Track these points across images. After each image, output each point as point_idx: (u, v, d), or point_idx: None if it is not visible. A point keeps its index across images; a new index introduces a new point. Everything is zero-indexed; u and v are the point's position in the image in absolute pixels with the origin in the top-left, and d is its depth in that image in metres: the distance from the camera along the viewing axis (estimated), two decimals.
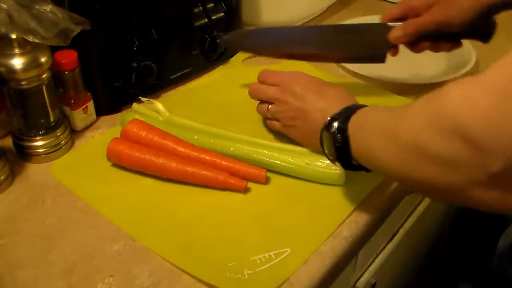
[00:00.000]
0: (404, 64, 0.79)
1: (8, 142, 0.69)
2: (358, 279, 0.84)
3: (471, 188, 0.38)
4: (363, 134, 0.51)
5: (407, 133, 0.41)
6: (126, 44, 0.72)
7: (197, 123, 0.70)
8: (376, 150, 0.47)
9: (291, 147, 0.65)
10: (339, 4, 1.08)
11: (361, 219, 0.60)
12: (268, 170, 0.64)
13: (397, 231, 0.91)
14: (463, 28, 0.66)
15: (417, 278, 1.26)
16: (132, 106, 0.73)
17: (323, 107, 0.60)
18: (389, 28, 0.68)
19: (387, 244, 0.89)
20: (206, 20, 0.81)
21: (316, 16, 1.04)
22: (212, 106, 0.78)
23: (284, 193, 0.62)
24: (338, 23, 0.64)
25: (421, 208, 0.98)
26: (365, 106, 0.56)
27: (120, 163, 0.64)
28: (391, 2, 1.11)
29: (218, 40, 0.80)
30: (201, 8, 0.81)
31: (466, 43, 0.69)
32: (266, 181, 0.63)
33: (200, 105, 0.78)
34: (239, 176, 0.62)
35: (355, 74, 0.86)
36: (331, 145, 0.55)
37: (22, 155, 0.67)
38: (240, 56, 0.90)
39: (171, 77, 0.81)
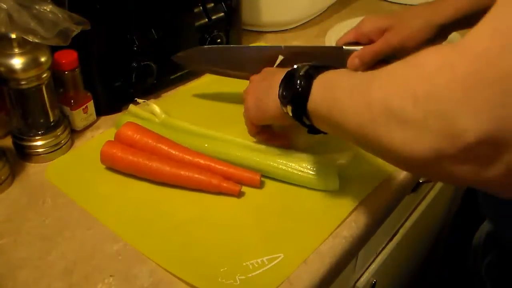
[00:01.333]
0: None
1: (8, 142, 0.69)
2: (358, 279, 0.84)
3: (439, 161, 0.35)
4: (331, 86, 0.49)
5: (380, 93, 0.40)
6: (126, 44, 0.72)
7: (192, 125, 0.70)
8: (342, 104, 0.46)
9: (286, 152, 0.64)
10: (339, 4, 1.08)
11: (361, 219, 0.60)
12: (263, 176, 0.63)
13: (397, 231, 0.91)
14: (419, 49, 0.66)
15: (417, 278, 1.26)
16: (129, 107, 0.73)
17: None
18: (345, 52, 0.68)
19: (387, 244, 0.89)
20: (206, 20, 0.81)
21: (316, 16, 1.04)
22: (212, 106, 0.78)
23: (279, 197, 0.62)
24: (293, 45, 0.64)
25: (421, 208, 0.98)
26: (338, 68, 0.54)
27: (114, 167, 0.64)
28: (391, 2, 1.11)
29: (172, 57, 0.76)
30: (201, 8, 0.81)
31: (455, 34, 0.70)
32: (260, 185, 0.63)
33: (200, 105, 0.78)
34: (233, 180, 0.62)
35: None
36: (290, 86, 0.53)
37: (22, 155, 0.67)
38: None
39: (171, 77, 0.81)
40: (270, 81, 0.60)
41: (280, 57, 0.75)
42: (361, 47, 0.69)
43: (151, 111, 0.72)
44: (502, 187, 0.36)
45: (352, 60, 0.68)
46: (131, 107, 0.73)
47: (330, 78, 0.51)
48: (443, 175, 0.37)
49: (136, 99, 0.73)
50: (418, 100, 0.36)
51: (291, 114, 0.54)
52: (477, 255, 0.75)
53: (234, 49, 0.76)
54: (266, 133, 0.66)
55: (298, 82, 0.52)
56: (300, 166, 0.62)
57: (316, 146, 0.65)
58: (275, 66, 0.72)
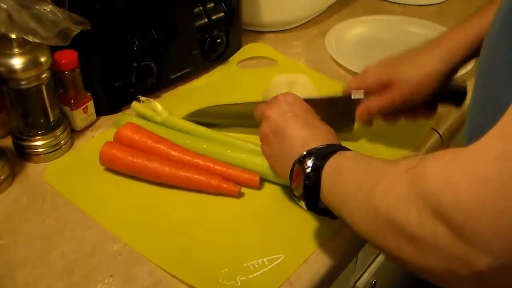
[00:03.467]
0: None
1: (8, 142, 0.69)
2: (358, 279, 0.84)
3: (451, 278, 0.34)
4: (338, 182, 0.47)
5: (383, 202, 0.38)
6: (126, 44, 0.72)
7: (193, 124, 0.70)
8: (349, 205, 0.44)
9: None
10: (339, 4, 1.08)
11: None
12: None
13: None
14: (429, 98, 0.64)
15: (417, 278, 1.26)
16: (132, 105, 0.73)
17: (304, 136, 0.55)
18: (353, 101, 0.67)
19: None
20: (206, 20, 0.81)
21: (316, 16, 1.04)
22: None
23: (279, 197, 0.62)
24: (303, 97, 0.63)
25: None
26: (348, 150, 0.52)
27: (113, 167, 0.64)
28: (391, 2, 1.11)
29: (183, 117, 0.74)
30: (201, 8, 0.81)
31: None
32: (259, 186, 0.62)
33: (200, 105, 0.78)
34: (232, 181, 0.61)
35: (355, 74, 0.86)
36: (300, 180, 0.50)
37: (22, 155, 0.67)
38: (239, 55, 0.90)
39: (171, 77, 0.81)
40: (284, 147, 0.56)
41: (272, 81, 0.75)
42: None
43: (154, 109, 0.72)
44: None
45: (361, 115, 0.66)
46: (134, 104, 0.73)
47: (337, 169, 0.48)
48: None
49: (139, 96, 0.73)
50: (423, 217, 0.34)
51: (306, 209, 0.52)
52: None
53: (238, 105, 0.73)
54: None
55: (307, 177, 0.49)
56: None
57: None
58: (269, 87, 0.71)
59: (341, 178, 0.47)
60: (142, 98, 0.73)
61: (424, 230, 0.34)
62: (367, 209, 0.40)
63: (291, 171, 0.53)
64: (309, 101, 0.62)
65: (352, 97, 0.67)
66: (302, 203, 0.52)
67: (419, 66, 0.63)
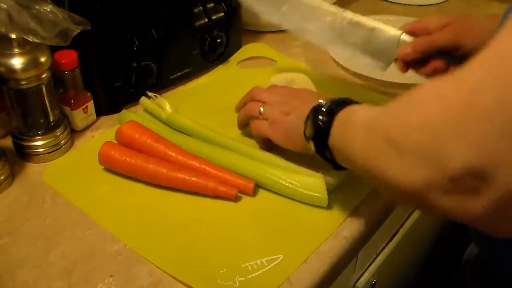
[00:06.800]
0: None
1: (8, 142, 0.69)
2: (358, 279, 0.84)
3: (429, 191, 0.36)
4: (348, 122, 0.50)
5: (383, 124, 0.41)
6: (126, 44, 0.72)
7: (195, 123, 0.70)
8: (352, 140, 0.47)
9: (281, 163, 0.63)
10: (339, 4, 1.08)
11: (361, 219, 0.60)
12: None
13: (397, 231, 0.91)
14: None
15: (417, 278, 1.26)
16: (140, 99, 0.75)
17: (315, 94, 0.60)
18: (400, 41, 0.67)
19: (387, 244, 0.89)
20: (206, 20, 0.81)
21: None
22: (211, 107, 0.78)
23: (278, 197, 0.62)
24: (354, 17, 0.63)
25: None
26: (359, 103, 0.55)
27: (111, 168, 0.64)
28: (391, 2, 1.11)
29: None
30: (201, 8, 0.81)
31: None
32: (254, 193, 0.62)
33: (200, 105, 0.78)
34: (228, 185, 0.61)
35: (354, 74, 0.86)
36: (313, 123, 0.54)
37: (22, 155, 0.67)
38: (239, 55, 0.90)
39: (171, 77, 0.81)
40: (297, 111, 0.60)
41: (271, 80, 0.75)
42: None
43: (161, 105, 0.73)
44: (489, 224, 0.36)
45: (405, 48, 0.66)
46: (143, 99, 0.75)
47: (349, 114, 0.51)
48: (433, 208, 0.37)
49: (147, 92, 0.75)
50: (412, 129, 0.37)
51: (313, 150, 0.55)
52: (465, 275, 0.74)
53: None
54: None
55: (320, 118, 0.53)
56: (291, 179, 0.60)
57: (314, 159, 0.66)
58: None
59: (351, 120, 0.49)
60: (150, 94, 0.74)
61: (411, 143, 0.37)
62: (368, 136, 0.43)
63: (307, 116, 0.56)
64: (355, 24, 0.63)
65: (402, 37, 0.66)
66: (311, 144, 0.55)
67: (489, 22, 0.66)
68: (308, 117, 0.56)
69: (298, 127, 0.57)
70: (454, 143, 0.33)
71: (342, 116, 0.52)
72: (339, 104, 0.53)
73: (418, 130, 0.36)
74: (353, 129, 0.48)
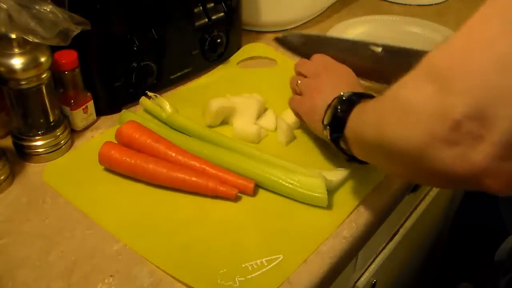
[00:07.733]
0: None
1: (8, 142, 0.69)
2: (358, 279, 0.84)
3: (432, 145, 0.37)
4: (363, 109, 0.52)
5: (394, 87, 0.42)
6: (126, 44, 0.72)
7: (195, 123, 0.70)
8: (364, 117, 0.49)
9: (281, 162, 0.63)
10: (339, 4, 1.08)
11: (361, 219, 0.60)
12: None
13: (397, 231, 0.91)
14: None
15: (417, 278, 1.26)
16: (140, 99, 0.75)
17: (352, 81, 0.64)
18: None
19: (387, 244, 0.89)
20: (206, 20, 0.81)
21: (316, 16, 1.04)
22: None
23: (278, 197, 0.62)
24: (391, 44, 0.66)
25: (421, 208, 0.98)
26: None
27: (111, 168, 0.64)
28: (391, 2, 1.11)
29: (277, 37, 0.81)
30: (201, 8, 0.81)
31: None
32: (254, 193, 0.61)
33: (200, 105, 0.78)
34: (228, 185, 0.61)
35: None
36: (332, 112, 0.57)
37: (22, 155, 0.67)
38: (239, 55, 0.90)
39: (171, 77, 0.81)
40: (326, 91, 0.62)
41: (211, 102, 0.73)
42: None
43: (161, 105, 0.73)
44: (492, 178, 0.36)
45: None
46: (143, 99, 0.75)
47: (365, 104, 0.52)
48: (437, 165, 0.37)
49: (147, 92, 0.75)
50: (420, 85, 0.38)
51: (329, 138, 0.58)
52: (499, 271, 0.74)
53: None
54: None
55: (339, 107, 0.56)
56: (291, 179, 0.60)
57: (314, 159, 0.66)
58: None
59: (366, 107, 0.51)
60: (150, 94, 0.74)
61: (416, 97, 0.38)
62: (379, 105, 0.46)
63: (329, 105, 0.58)
64: (395, 48, 0.69)
65: None
66: (327, 132, 0.58)
67: None
68: (329, 105, 0.58)
69: (320, 112, 0.59)
70: (455, 88, 0.35)
71: (360, 106, 0.53)
72: (359, 96, 0.55)
73: (425, 81, 0.37)
74: (367, 107, 0.50)
